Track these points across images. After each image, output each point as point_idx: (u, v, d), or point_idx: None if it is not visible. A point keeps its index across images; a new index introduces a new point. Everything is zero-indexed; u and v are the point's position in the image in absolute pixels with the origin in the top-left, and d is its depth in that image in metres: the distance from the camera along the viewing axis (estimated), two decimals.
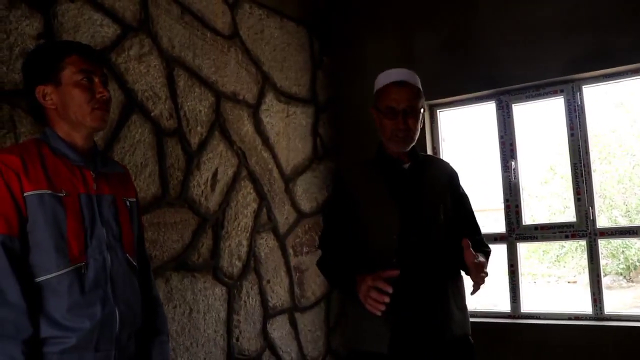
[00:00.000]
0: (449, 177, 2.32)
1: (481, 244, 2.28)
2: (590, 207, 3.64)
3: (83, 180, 1.75)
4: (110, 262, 1.75)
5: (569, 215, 11.51)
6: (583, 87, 3.72)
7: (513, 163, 3.88)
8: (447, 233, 2.17)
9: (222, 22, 3.45)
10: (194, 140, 3.17)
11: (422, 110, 2.23)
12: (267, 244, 3.60)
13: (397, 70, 2.25)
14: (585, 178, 3.67)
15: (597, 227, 3.63)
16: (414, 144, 2.25)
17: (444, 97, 4.07)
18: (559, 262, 13.95)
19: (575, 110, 3.72)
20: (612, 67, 3.56)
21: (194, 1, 3.26)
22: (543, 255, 14.07)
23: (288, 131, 3.88)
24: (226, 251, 3.29)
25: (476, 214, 2.41)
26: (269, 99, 3.74)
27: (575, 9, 3.61)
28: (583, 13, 3.58)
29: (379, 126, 2.24)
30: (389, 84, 2.21)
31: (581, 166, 3.68)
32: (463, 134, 3.95)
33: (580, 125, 3.71)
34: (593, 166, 3.74)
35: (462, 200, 2.31)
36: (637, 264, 13.09)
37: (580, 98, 3.72)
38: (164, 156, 2.97)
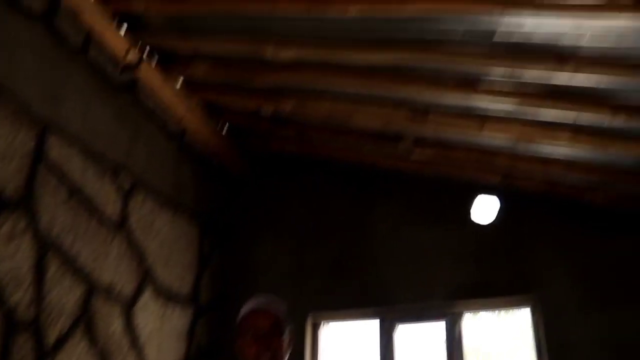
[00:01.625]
0: None
1: None
2: None
3: None
4: None
5: None
6: (464, 314, 3.82)
7: None
8: None
9: (112, 210, 3.32)
10: (52, 336, 2.82)
11: (287, 333, 2.14)
12: None
13: (258, 299, 2.18)
14: None
15: None
16: None
17: (329, 311, 4.02)
18: None
19: (454, 337, 3.76)
20: (491, 298, 3.74)
21: (86, 185, 3.14)
22: None
23: (162, 331, 3.59)
24: None
25: None
26: (147, 295, 3.51)
27: (461, 241, 3.85)
28: (467, 246, 3.83)
29: (243, 356, 2.10)
30: (248, 312, 2.13)
31: None
32: (346, 351, 3.86)
33: (458, 352, 3.72)
34: None
35: None
36: None
37: (460, 325, 3.80)
38: (8, 354, 2.59)
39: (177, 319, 3.76)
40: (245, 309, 2.16)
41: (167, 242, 3.75)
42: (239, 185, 4.55)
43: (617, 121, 2.97)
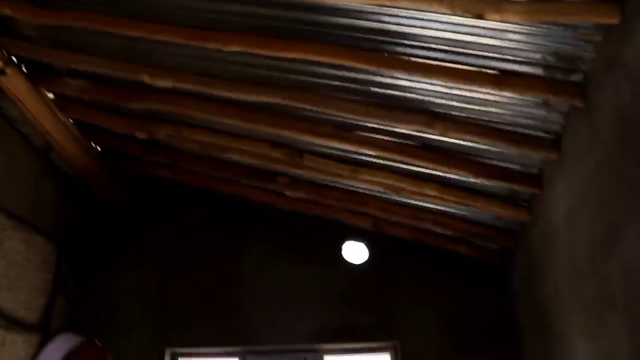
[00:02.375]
0: None
1: None
2: None
3: None
4: None
5: None
6: (325, 357, 3.84)
7: None
8: None
9: None
10: None
11: None
12: None
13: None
14: None
15: None
16: None
17: (188, 347, 3.89)
18: None
19: None
20: (354, 343, 3.79)
21: None
22: None
23: None
24: None
25: None
26: None
27: (330, 282, 3.89)
28: (336, 287, 3.88)
29: None
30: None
31: None
32: None
33: None
34: None
35: None
36: None
37: None
38: None
39: (18, 349, 3.46)
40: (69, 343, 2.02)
41: (16, 264, 3.47)
42: (107, 208, 4.33)
43: (480, 180, 3.11)
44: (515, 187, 3.12)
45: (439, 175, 3.25)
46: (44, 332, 3.69)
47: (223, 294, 3.93)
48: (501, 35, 2.35)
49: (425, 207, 3.61)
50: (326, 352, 3.85)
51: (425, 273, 3.89)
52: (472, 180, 3.16)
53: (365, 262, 3.85)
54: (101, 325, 3.88)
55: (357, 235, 3.86)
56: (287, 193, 3.81)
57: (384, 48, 2.57)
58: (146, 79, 3.13)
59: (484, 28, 2.34)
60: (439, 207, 3.59)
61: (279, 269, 3.96)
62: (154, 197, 4.33)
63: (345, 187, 3.68)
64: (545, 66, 2.42)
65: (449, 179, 3.25)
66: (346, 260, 3.87)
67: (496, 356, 3.67)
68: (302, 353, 3.82)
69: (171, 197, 4.29)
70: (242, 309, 3.88)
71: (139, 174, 4.24)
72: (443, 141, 3.00)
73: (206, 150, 3.70)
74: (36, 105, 3.48)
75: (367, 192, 3.65)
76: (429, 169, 3.20)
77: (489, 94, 2.63)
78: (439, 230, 3.74)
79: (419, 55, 2.56)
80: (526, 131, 2.78)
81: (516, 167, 3.05)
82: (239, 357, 3.87)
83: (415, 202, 3.60)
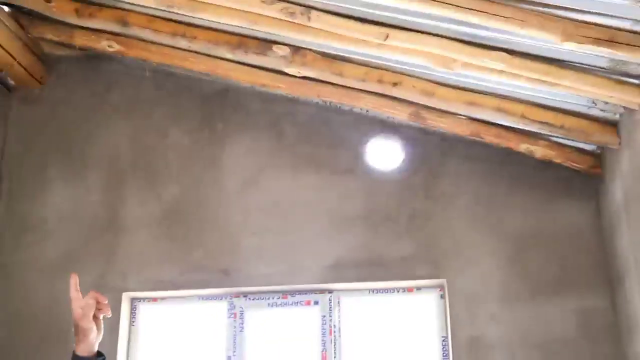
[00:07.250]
0: None
1: None
2: None
3: None
4: None
5: None
6: (342, 298, 3.07)
7: None
8: None
9: None
10: None
11: None
12: None
13: None
14: None
15: None
16: None
17: (153, 290, 3.08)
18: None
19: (331, 327, 3.01)
20: (383, 281, 3.02)
21: None
22: None
23: None
24: None
25: None
26: None
27: (345, 198, 3.09)
28: (353, 206, 3.08)
29: None
30: None
31: None
32: (176, 337, 3.07)
33: (336, 345, 3.00)
34: None
35: None
36: None
37: (339, 312, 3.05)
38: None
39: None
40: None
41: None
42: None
43: (568, 44, 2.14)
44: (621, 54, 2.11)
45: (509, 40, 2.29)
46: None
47: (195, 217, 3.09)
48: None
49: (486, 88, 2.64)
50: (344, 293, 3.06)
51: (484, 185, 2.96)
52: (556, 46, 2.17)
53: (400, 168, 2.99)
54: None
55: (387, 131, 2.93)
56: (287, 70, 2.82)
57: None
58: None
59: None
60: (506, 88, 2.60)
61: (273, 178, 3.09)
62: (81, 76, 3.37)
63: (371, 60, 2.71)
64: None
65: (522, 44, 2.29)
66: (372, 166, 3.01)
67: (584, 297, 2.79)
68: (311, 295, 3.01)
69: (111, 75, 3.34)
70: (223, 238, 3.04)
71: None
72: None
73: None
74: None
75: (402, 67, 2.67)
76: (495, 30, 2.20)
77: None
78: (505, 122, 2.76)
79: None
80: None
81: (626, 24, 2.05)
82: (227, 303, 3.07)
83: (472, 81, 2.63)
